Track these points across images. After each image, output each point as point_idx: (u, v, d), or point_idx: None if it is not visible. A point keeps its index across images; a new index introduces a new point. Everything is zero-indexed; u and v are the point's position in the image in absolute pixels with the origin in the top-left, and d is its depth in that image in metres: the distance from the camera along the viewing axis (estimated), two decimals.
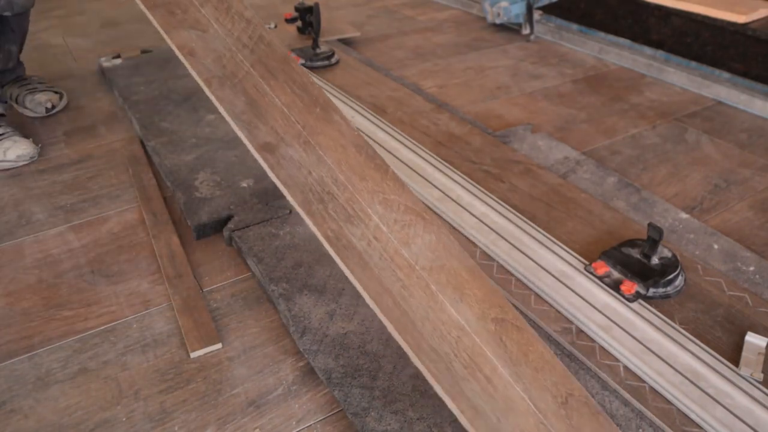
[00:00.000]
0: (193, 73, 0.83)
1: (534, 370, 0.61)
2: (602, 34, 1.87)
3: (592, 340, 0.80)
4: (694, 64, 1.65)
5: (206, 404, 0.74)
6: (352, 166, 0.77)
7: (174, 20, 0.90)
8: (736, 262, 0.96)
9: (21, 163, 1.21)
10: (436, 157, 1.18)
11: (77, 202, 1.13)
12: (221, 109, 0.79)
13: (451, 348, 0.60)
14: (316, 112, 0.83)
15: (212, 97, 0.81)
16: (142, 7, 0.91)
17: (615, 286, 0.86)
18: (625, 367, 0.76)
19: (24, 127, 1.34)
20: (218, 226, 1.02)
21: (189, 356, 0.81)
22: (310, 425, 0.72)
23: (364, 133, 1.25)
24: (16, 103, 1.41)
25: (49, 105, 1.41)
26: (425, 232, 0.71)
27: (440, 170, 1.13)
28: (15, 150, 1.20)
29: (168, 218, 1.06)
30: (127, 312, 0.88)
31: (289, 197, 0.72)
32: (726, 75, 1.58)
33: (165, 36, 0.87)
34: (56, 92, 1.45)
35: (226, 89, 0.83)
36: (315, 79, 1.51)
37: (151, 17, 0.90)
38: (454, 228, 1.01)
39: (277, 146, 0.77)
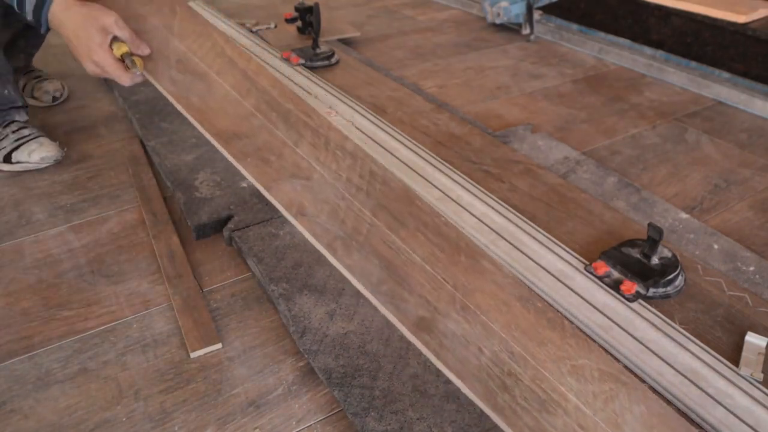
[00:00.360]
0: (310, 238, 0.70)
1: None
2: (602, 34, 1.87)
3: (592, 340, 0.80)
4: (694, 64, 1.65)
5: (206, 404, 0.74)
6: (524, 329, 0.64)
7: (271, 170, 0.77)
8: (736, 262, 0.96)
9: (44, 165, 1.21)
10: (436, 157, 1.18)
11: (77, 202, 1.13)
12: (355, 282, 0.67)
13: None
14: (462, 261, 0.71)
15: (339, 266, 0.68)
16: (232, 160, 0.78)
17: (615, 286, 0.86)
18: (625, 367, 0.76)
19: None
20: (218, 226, 1.02)
21: (189, 356, 0.81)
22: (310, 425, 0.72)
23: (364, 133, 1.26)
24: (23, 92, 1.43)
25: (57, 94, 1.44)
26: (631, 403, 0.60)
27: (440, 170, 1.13)
28: (40, 152, 1.19)
29: (168, 218, 1.06)
30: (127, 312, 0.88)
31: (466, 390, 0.60)
32: (726, 75, 1.58)
33: (266, 193, 0.74)
34: (61, 84, 1.49)
35: (354, 253, 0.69)
36: (315, 79, 1.51)
37: (243, 171, 0.77)
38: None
39: (433, 321, 0.63)
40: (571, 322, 0.65)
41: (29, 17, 0.86)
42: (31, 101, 1.43)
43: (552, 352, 0.62)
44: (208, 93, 0.87)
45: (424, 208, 0.76)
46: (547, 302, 0.67)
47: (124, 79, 0.88)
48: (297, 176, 0.76)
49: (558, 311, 0.66)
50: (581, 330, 0.65)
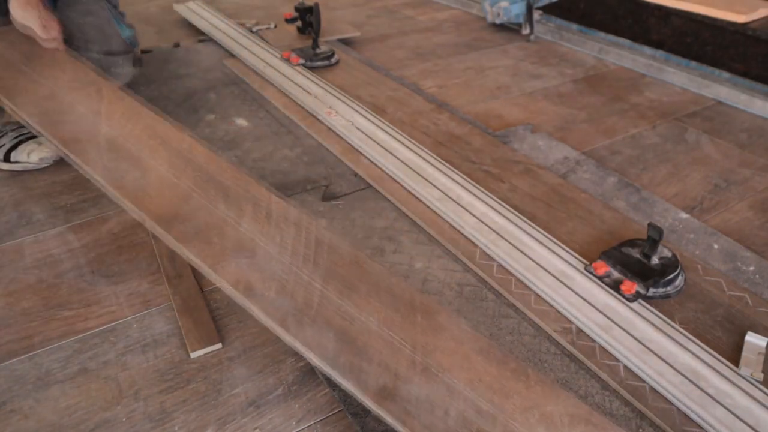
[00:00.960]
0: (261, 317, 0.68)
1: None
2: (602, 34, 1.87)
3: (592, 340, 0.80)
4: (694, 64, 1.65)
5: (206, 404, 0.74)
6: (488, 383, 0.63)
7: (214, 251, 0.74)
8: (736, 262, 0.96)
9: (43, 166, 1.21)
10: (436, 157, 1.18)
11: (77, 202, 1.13)
12: (311, 358, 0.64)
13: None
14: (419, 321, 0.69)
15: (294, 343, 0.65)
16: (175, 244, 0.76)
17: (615, 286, 0.86)
18: (625, 367, 0.76)
19: None
20: None
21: (189, 356, 0.81)
22: (310, 425, 0.72)
23: (363, 133, 1.26)
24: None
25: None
26: None
27: (440, 170, 1.13)
28: (39, 152, 1.19)
29: None
30: (127, 312, 0.88)
31: None
32: (726, 75, 1.58)
33: (212, 275, 0.72)
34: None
35: (307, 328, 0.66)
36: (315, 79, 1.51)
37: (187, 254, 0.75)
38: (454, 228, 1.01)
39: (395, 388, 0.61)
40: (535, 369, 0.66)
41: None
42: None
43: (519, 402, 0.61)
44: (143, 178, 0.85)
45: (374, 271, 0.75)
46: (498, 347, 0.67)
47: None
48: (241, 254, 0.75)
49: (519, 360, 0.66)
50: (545, 377, 0.66)
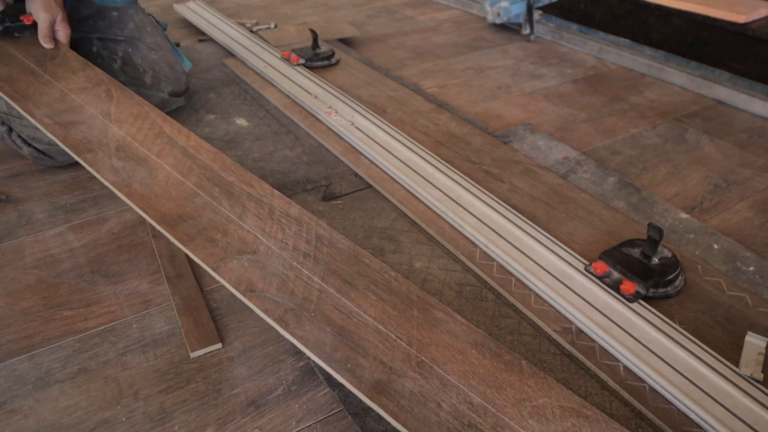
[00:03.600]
0: (262, 315, 0.68)
1: None
2: (602, 34, 1.87)
3: (592, 340, 0.80)
4: (694, 64, 1.66)
5: (206, 404, 0.74)
6: (482, 376, 0.63)
7: (217, 249, 0.75)
8: (736, 262, 0.96)
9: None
10: (436, 157, 1.18)
11: (77, 202, 1.13)
12: (309, 354, 0.65)
13: None
14: (415, 315, 0.70)
15: (293, 339, 0.66)
16: (178, 244, 0.77)
17: (615, 286, 0.86)
18: (625, 367, 0.76)
19: None
20: None
21: (189, 356, 0.81)
22: (310, 425, 0.72)
23: (364, 133, 1.26)
24: None
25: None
26: None
27: (440, 170, 1.13)
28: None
29: None
30: (127, 312, 0.88)
31: None
32: (726, 75, 1.58)
33: (215, 274, 0.73)
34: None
35: (306, 324, 0.67)
36: (315, 79, 1.51)
37: (191, 254, 0.75)
38: (454, 228, 1.01)
39: (390, 382, 0.62)
40: (530, 362, 0.66)
41: None
42: None
43: (511, 395, 0.62)
44: (150, 177, 0.86)
45: (373, 266, 0.75)
46: (495, 342, 0.68)
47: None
48: (244, 252, 0.75)
49: (513, 353, 0.67)
50: (539, 368, 0.66)
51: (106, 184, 0.85)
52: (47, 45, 1.12)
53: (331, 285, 0.72)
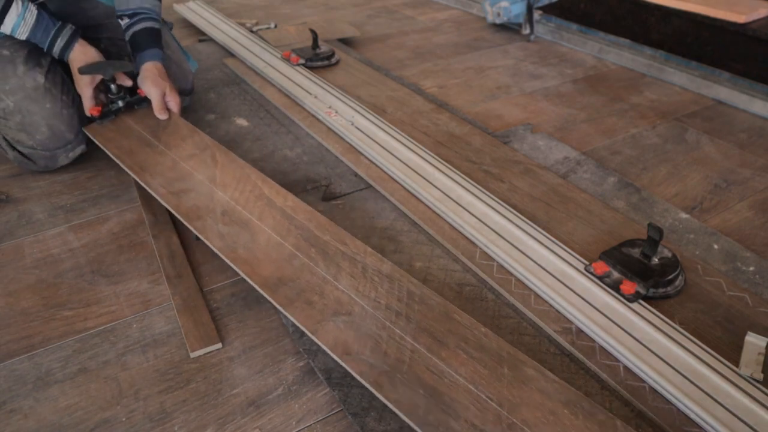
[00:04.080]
0: (357, 376, 0.69)
1: None
2: (602, 34, 1.87)
3: (592, 340, 0.80)
4: (694, 64, 1.65)
5: (206, 404, 0.74)
6: None
7: (315, 312, 0.76)
8: (736, 262, 0.96)
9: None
10: (436, 157, 1.18)
11: (77, 202, 1.13)
12: (403, 416, 0.65)
13: None
14: (506, 374, 0.69)
15: (387, 402, 0.66)
16: (280, 308, 0.78)
17: (615, 286, 0.85)
18: (625, 367, 0.76)
19: None
20: None
21: (189, 356, 0.81)
22: (310, 425, 0.72)
23: (364, 133, 1.26)
24: None
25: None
26: None
27: (440, 170, 1.13)
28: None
29: (168, 218, 1.06)
30: (127, 312, 0.88)
31: None
32: (726, 75, 1.58)
33: (313, 337, 0.73)
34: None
35: (399, 387, 0.67)
36: (315, 79, 1.51)
37: (291, 317, 0.76)
38: (454, 228, 1.01)
39: None
40: (624, 422, 0.66)
41: (57, 58, 1.16)
42: None
43: None
44: (253, 241, 0.88)
45: (463, 322, 0.75)
46: (587, 399, 0.67)
47: (85, 107, 1.17)
48: (339, 313, 0.76)
49: (607, 412, 0.66)
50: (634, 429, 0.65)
51: (215, 250, 0.88)
52: (162, 116, 1.18)
53: (423, 344, 0.72)
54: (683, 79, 1.61)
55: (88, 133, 1.17)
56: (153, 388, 0.76)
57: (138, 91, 1.21)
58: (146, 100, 1.21)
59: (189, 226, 0.93)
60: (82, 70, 1.13)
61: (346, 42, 1.90)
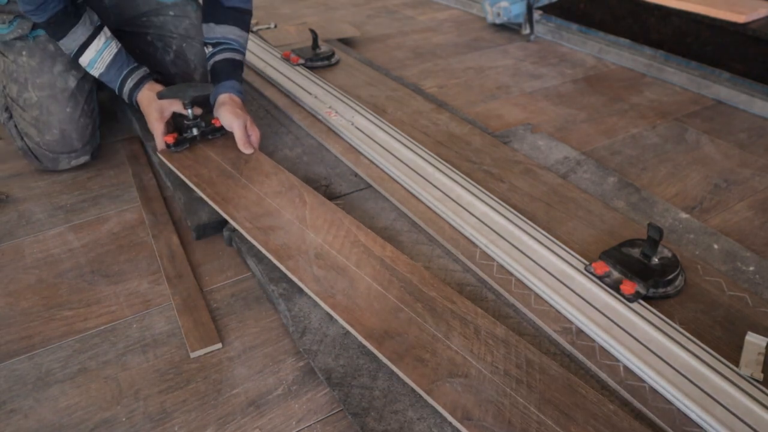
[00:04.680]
0: None
1: None
2: (602, 34, 1.87)
3: (592, 340, 0.80)
4: (694, 64, 1.65)
5: (206, 404, 0.74)
6: None
7: (427, 370, 0.72)
8: (736, 262, 0.96)
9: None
10: (436, 157, 1.18)
11: (77, 202, 1.13)
12: None
13: None
14: None
15: None
16: (389, 363, 0.74)
17: (615, 286, 0.85)
18: (625, 367, 0.76)
19: None
20: (218, 226, 1.02)
21: (189, 356, 0.81)
22: (310, 425, 0.72)
23: (363, 133, 1.26)
24: None
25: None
26: None
27: (440, 170, 1.13)
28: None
29: (168, 218, 1.06)
30: (127, 312, 0.88)
31: None
32: (726, 75, 1.58)
33: (428, 397, 0.70)
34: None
35: None
36: (315, 79, 1.51)
37: (402, 375, 0.72)
38: (454, 228, 1.01)
39: None
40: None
41: (126, 99, 1.17)
42: None
43: None
44: (352, 288, 0.84)
45: (590, 397, 0.71)
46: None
47: (157, 145, 1.16)
48: (455, 374, 0.72)
49: None
50: None
51: (310, 294, 0.84)
52: (247, 151, 1.15)
53: (549, 417, 0.68)
54: (683, 79, 1.61)
55: (162, 158, 1.14)
56: (153, 388, 0.76)
57: (213, 121, 1.19)
58: (221, 130, 1.20)
59: (280, 265, 0.89)
60: (162, 94, 1.11)
61: (346, 42, 1.90)
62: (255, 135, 1.17)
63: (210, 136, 1.20)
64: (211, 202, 1.03)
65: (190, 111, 1.15)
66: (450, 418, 0.68)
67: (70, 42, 1.08)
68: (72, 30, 1.07)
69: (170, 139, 1.14)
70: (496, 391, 0.70)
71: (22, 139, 1.17)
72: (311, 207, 1.01)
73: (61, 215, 1.09)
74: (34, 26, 1.12)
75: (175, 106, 1.15)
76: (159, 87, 1.16)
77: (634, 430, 0.67)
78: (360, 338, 0.78)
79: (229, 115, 1.13)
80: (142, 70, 1.16)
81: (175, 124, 1.19)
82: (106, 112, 1.44)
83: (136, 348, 0.82)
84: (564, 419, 0.68)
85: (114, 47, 1.12)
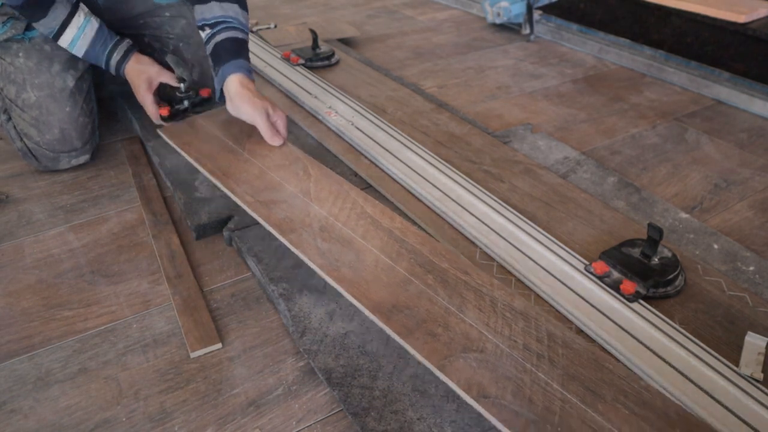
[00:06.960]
0: (498, 425, 0.61)
1: None
2: (602, 34, 1.87)
3: (592, 340, 0.80)
4: (694, 64, 1.65)
5: (206, 404, 0.74)
6: None
7: (440, 345, 0.68)
8: (736, 262, 0.96)
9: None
10: (436, 157, 1.18)
11: (77, 202, 1.13)
12: None
13: None
14: None
15: None
16: (397, 338, 0.70)
17: (615, 286, 0.86)
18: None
19: None
20: (218, 226, 1.02)
21: (189, 356, 0.81)
22: (310, 425, 0.72)
23: (364, 133, 1.26)
24: None
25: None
26: None
27: (440, 170, 1.13)
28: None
29: (168, 218, 1.06)
30: (127, 312, 0.88)
31: None
32: (726, 75, 1.58)
33: (440, 374, 0.66)
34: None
35: None
36: (315, 79, 1.51)
37: (411, 350, 0.69)
38: (454, 228, 1.01)
39: None
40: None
41: (113, 72, 1.17)
42: None
43: None
44: (358, 261, 0.81)
45: (617, 372, 0.67)
46: None
47: (151, 117, 1.18)
48: (469, 349, 0.68)
49: None
50: None
51: (314, 267, 0.81)
52: (277, 142, 1.07)
53: (574, 394, 0.63)
54: (683, 79, 1.61)
55: (163, 135, 1.14)
56: (153, 388, 0.76)
57: (201, 92, 1.18)
58: (209, 100, 1.19)
59: (282, 238, 0.86)
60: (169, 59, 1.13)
61: (346, 42, 1.90)
62: (281, 121, 1.09)
63: (199, 108, 1.20)
64: (211, 177, 1.01)
65: (183, 84, 1.15)
66: (465, 396, 0.64)
67: (50, 21, 1.06)
68: (52, 8, 1.05)
69: (165, 112, 1.15)
70: (515, 366, 0.66)
71: (21, 139, 1.17)
72: (316, 179, 0.99)
73: (61, 215, 1.09)
74: (28, 27, 1.12)
75: (164, 76, 1.16)
76: (145, 58, 1.16)
77: (668, 409, 0.63)
78: (367, 312, 0.74)
79: (248, 108, 1.04)
80: (126, 43, 1.15)
81: (161, 95, 1.19)
82: (106, 112, 1.44)
83: (136, 348, 0.82)
84: (590, 396, 0.63)
85: (95, 22, 1.11)
